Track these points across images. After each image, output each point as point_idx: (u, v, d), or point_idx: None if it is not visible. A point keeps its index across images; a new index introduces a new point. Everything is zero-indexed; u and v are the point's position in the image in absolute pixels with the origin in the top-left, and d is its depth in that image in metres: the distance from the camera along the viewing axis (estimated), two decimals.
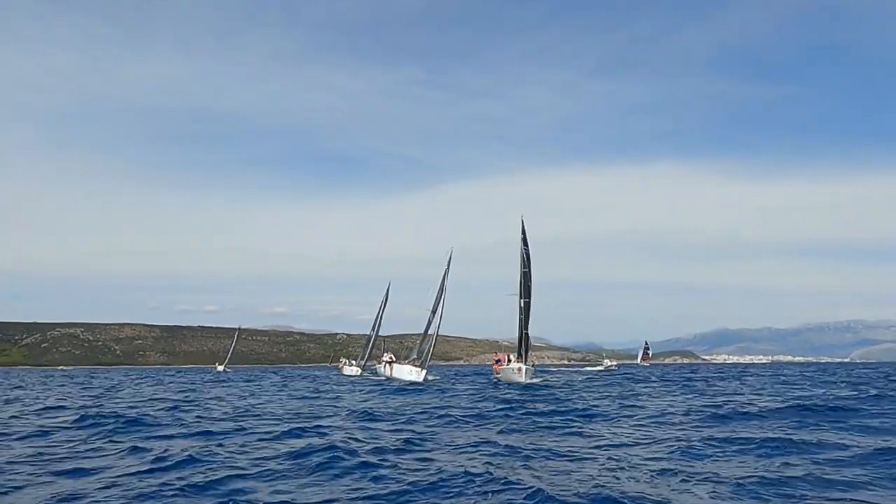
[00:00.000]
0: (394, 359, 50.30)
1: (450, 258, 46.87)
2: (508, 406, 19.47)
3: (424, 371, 43.22)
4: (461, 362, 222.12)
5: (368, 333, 68.10)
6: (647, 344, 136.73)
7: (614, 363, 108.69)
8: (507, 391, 28.79)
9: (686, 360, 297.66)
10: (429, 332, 46.98)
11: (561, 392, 27.73)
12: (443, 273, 46.41)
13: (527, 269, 43.43)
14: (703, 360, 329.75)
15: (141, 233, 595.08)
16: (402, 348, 70.14)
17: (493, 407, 19.22)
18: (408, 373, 43.85)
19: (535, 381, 40.30)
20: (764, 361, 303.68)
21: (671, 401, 21.30)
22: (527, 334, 43.27)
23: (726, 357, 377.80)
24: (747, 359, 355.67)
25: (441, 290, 46.23)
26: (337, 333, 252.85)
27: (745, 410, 16.49)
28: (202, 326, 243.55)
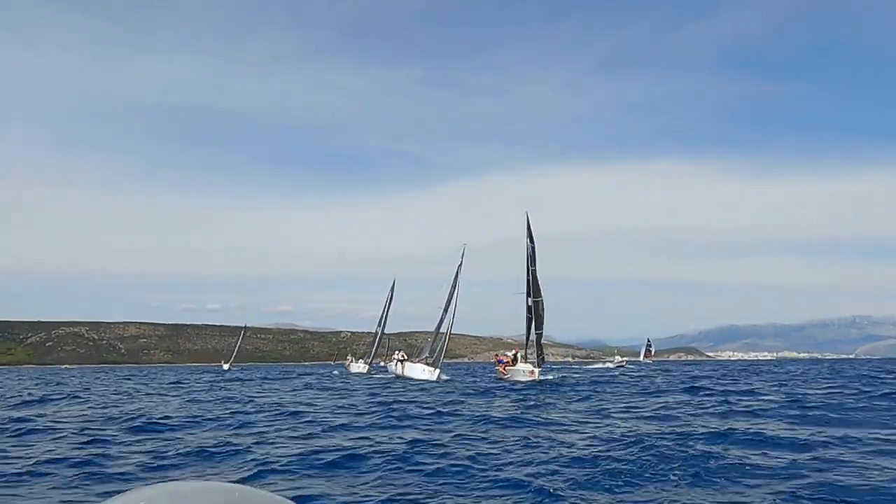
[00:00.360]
0: (406, 357, 49.72)
1: (462, 254, 46.33)
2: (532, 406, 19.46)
3: (438, 370, 42.58)
4: (465, 360, 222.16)
5: (374, 330, 67.92)
6: (649, 341, 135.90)
7: (625, 360, 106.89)
8: (534, 391, 28.12)
9: (691, 357, 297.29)
10: (441, 330, 46.36)
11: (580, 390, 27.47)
12: (456, 269, 45.85)
13: (534, 267, 42.93)
14: (708, 356, 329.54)
15: (144, 232, 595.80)
16: (406, 346, 69.91)
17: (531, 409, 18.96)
18: (420, 371, 43.18)
19: (549, 377, 39.75)
20: (769, 358, 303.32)
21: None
22: (540, 334, 42.47)
23: (731, 354, 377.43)
24: (752, 355, 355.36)
25: (454, 286, 45.70)
26: (340, 331, 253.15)
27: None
28: (206, 325, 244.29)
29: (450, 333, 44.74)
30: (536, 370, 39.22)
